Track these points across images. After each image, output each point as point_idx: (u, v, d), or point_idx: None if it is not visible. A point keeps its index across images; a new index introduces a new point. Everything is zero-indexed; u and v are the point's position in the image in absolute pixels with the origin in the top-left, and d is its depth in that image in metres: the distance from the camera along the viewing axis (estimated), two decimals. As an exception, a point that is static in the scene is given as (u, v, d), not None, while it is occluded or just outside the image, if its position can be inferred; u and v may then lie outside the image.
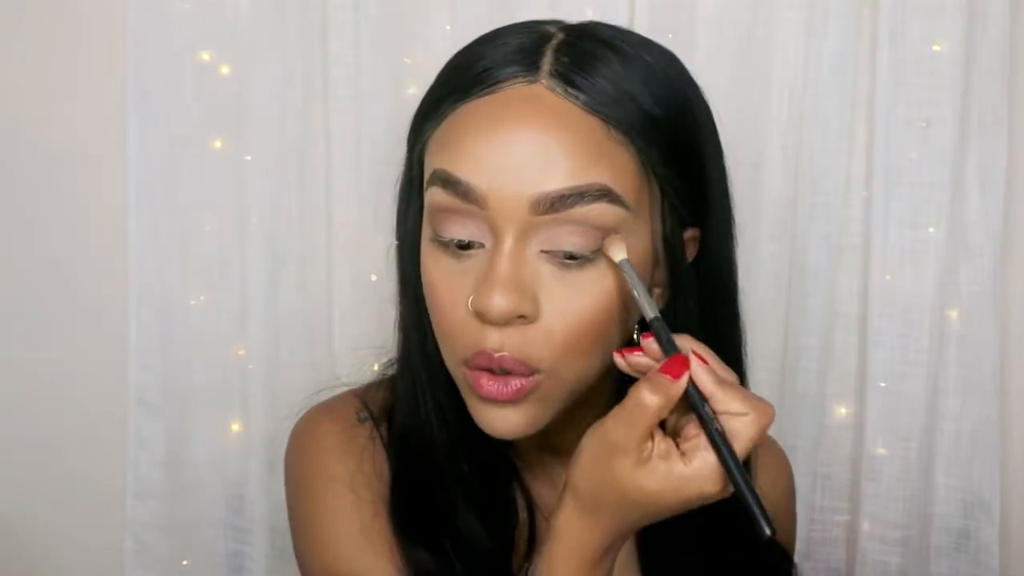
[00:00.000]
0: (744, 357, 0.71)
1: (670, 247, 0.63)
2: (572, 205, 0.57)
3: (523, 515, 0.69)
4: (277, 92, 0.97)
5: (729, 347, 0.69)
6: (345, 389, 0.76)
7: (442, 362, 0.64)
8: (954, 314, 1.03)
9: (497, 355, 0.59)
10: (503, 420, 0.61)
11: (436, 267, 0.61)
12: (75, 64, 1.01)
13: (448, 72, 0.64)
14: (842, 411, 1.07)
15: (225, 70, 0.97)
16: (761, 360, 1.02)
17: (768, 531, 0.52)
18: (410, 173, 0.66)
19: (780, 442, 1.02)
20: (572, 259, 0.59)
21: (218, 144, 0.98)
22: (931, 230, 1.01)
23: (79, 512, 1.06)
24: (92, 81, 1.01)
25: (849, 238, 1.04)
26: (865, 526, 1.06)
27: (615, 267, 0.59)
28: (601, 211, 0.58)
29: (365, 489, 0.68)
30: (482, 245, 0.59)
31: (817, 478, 1.08)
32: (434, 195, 0.60)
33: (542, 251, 0.59)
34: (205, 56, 0.97)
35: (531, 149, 0.57)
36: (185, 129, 0.98)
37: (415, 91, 0.97)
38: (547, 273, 0.59)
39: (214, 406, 1.02)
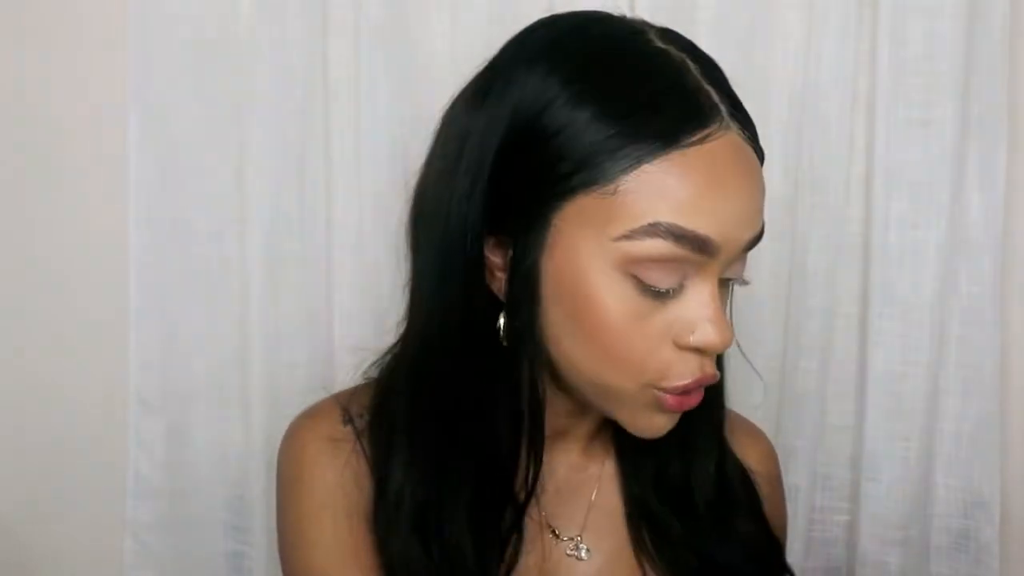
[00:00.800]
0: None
1: None
2: (756, 242, 0.64)
3: (508, 517, 0.70)
4: (277, 92, 0.97)
5: None
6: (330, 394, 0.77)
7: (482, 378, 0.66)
8: (954, 314, 1.03)
9: (707, 377, 0.64)
10: (666, 424, 0.66)
11: (628, 308, 0.62)
12: (75, 64, 1.01)
13: (604, 105, 0.60)
14: (842, 411, 1.07)
15: (225, 70, 0.97)
16: (761, 360, 1.03)
17: None
18: (531, 203, 0.62)
19: (780, 442, 1.03)
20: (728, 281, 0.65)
21: (218, 144, 0.98)
22: (931, 230, 1.01)
23: (79, 512, 1.06)
24: (92, 81, 1.01)
25: (849, 238, 1.04)
26: (865, 526, 1.06)
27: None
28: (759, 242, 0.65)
29: (343, 497, 0.70)
30: (681, 285, 0.62)
31: (817, 478, 1.08)
32: (655, 246, 0.60)
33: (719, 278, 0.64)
34: (205, 56, 0.97)
35: (745, 200, 0.62)
36: (185, 129, 0.98)
37: (415, 91, 0.97)
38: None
39: (214, 406, 1.02)
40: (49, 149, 1.02)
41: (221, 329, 1.01)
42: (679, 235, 0.59)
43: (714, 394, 0.73)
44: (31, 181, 1.02)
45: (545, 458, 0.73)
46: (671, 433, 0.70)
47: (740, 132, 0.62)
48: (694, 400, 0.64)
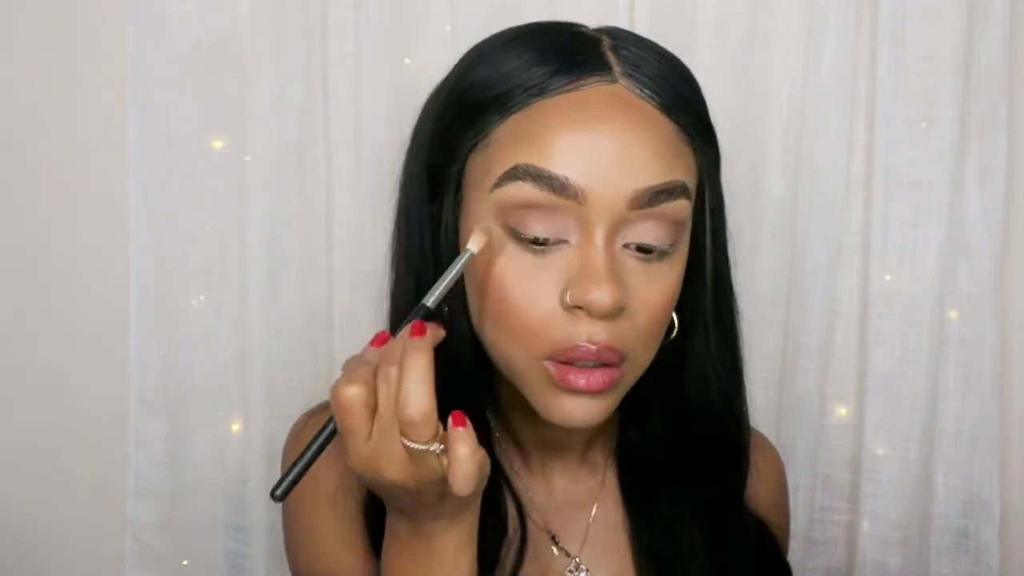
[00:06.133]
0: (740, 342, 0.73)
1: (697, 239, 0.66)
2: (662, 201, 0.60)
3: (513, 523, 0.70)
4: (277, 92, 0.97)
5: (733, 340, 0.71)
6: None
7: (454, 361, 0.64)
8: (954, 314, 1.03)
9: (596, 348, 0.59)
10: (585, 410, 0.62)
11: (510, 263, 0.60)
12: (75, 64, 1.01)
13: (496, 70, 0.62)
14: (842, 411, 1.07)
15: (225, 70, 0.97)
16: (761, 360, 1.03)
17: (273, 493, 0.52)
18: (443, 174, 0.65)
19: (780, 442, 1.03)
20: (649, 252, 0.61)
21: (218, 144, 0.98)
22: (931, 230, 1.01)
23: (79, 512, 1.06)
24: (92, 81, 1.01)
25: (849, 238, 1.04)
26: (865, 526, 1.06)
27: (680, 261, 0.63)
28: (681, 207, 0.61)
29: (347, 493, 0.70)
30: (564, 241, 0.60)
31: (817, 478, 1.08)
32: (517, 190, 0.59)
33: (624, 245, 0.60)
34: (205, 56, 0.97)
35: (624, 147, 0.59)
36: (185, 129, 0.98)
37: (415, 91, 0.97)
38: (629, 266, 0.61)
39: (214, 406, 1.02)
40: (49, 149, 1.02)
41: (221, 329, 1.01)
42: (536, 175, 0.58)
43: (728, 454, 0.72)
44: (31, 181, 1.02)
45: (543, 471, 0.74)
46: (677, 483, 0.70)
47: (635, 89, 0.61)
48: (590, 380, 0.60)
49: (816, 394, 1.05)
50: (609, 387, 0.61)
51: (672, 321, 0.66)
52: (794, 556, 1.04)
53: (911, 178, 1.01)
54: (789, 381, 1.05)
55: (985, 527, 1.05)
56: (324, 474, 0.70)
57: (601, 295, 0.58)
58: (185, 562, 1.04)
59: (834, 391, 1.06)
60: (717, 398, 0.70)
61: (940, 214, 1.00)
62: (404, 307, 0.69)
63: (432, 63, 0.97)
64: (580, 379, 0.60)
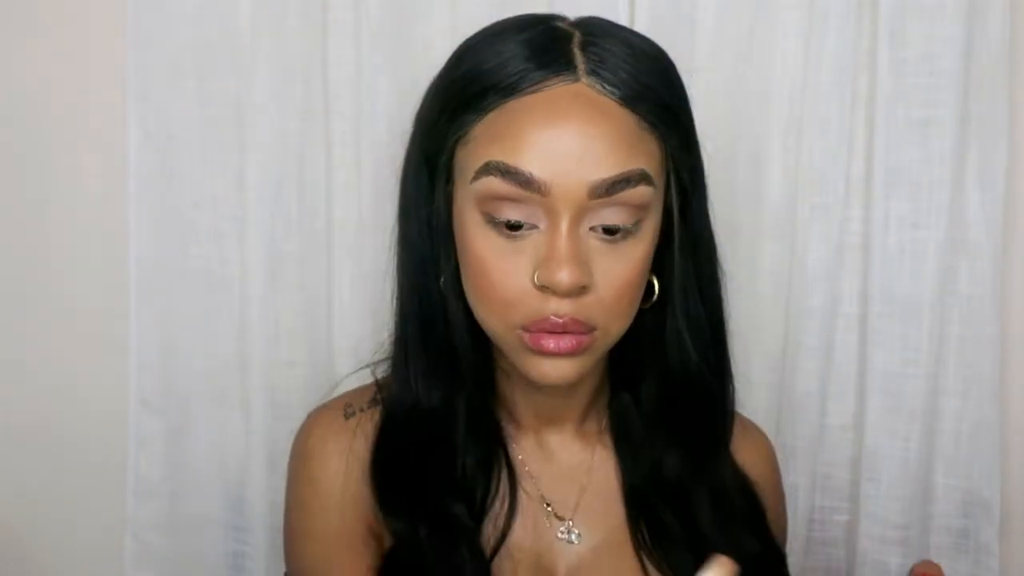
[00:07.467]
0: (725, 316, 0.77)
1: (669, 215, 0.71)
2: (621, 189, 0.65)
3: (504, 490, 0.74)
4: (277, 92, 0.97)
5: (712, 300, 0.75)
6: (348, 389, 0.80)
7: (449, 332, 0.72)
8: (954, 314, 1.03)
9: (561, 321, 0.66)
10: (557, 369, 0.68)
11: (487, 245, 0.67)
12: (75, 64, 1.01)
13: (476, 68, 0.68)
14: (842, 411, 1.07)
15: (225, 70, 0.97)
16: (761, 360, 1.03)
17: None
18: (435, 161, 0.71)
19: (780, 442, 1.03)
20: (614, 232, 0.66)
21: (218, 144, 0.98)
22: (931, 230, 1.01)
23: (79, 512, 1.06)
24: (92, 80, 1.01)
25: (849, 238, 1.04)
26: (865, 526, 1.06)
27: (645, 238, 0.68)
28: (641, 192, 0.66)
29: (347, 485, 0.73)
30: (534, 226, 0.66)
31: (817, 478, 1.08)
32: (489, 184, 0.65)
33: (590, 228, 0.66)
34: (205, 56, 0.97)
35: (584, 142, 0.64)
36: (185, 129, 0.98)
37: (415, 91, 0.97)
38: (595, 247, 0.66)
39: (214, 406, 1.02)
40: (49, 149, 1.02)
41: (221, 329, 1.01)
42: (505, 171, 0.65)
43: (712, 404, 0.76)
44: (31, 181, 1.02)
45: (538, 442, 0.78)
46: (663, 427, 0.75)
47: (595, 85, 0.66)
48: (559, 343, 0.67)
49: (816, 394, 1.05)
50: (578, 350, 0.67)
51: (652, 286, 0.72)
52: (794, 556, 1.04)
53: (911, 178, 1.01)
54: (789, 381, 1.05)
55: (985, 527, 1.05)
56: (322, 475, 0.74)
57: (562, 277, 0.64)
58: (185, 562, 1.04)
59: (834, 391, 1.06)
60: (695, 353, 0.74)
61: (940, 214, 1.00)
62: (408, 287, 0.74)
63: (433, 62, 0.97)
64: (550, 342, 0.67)
